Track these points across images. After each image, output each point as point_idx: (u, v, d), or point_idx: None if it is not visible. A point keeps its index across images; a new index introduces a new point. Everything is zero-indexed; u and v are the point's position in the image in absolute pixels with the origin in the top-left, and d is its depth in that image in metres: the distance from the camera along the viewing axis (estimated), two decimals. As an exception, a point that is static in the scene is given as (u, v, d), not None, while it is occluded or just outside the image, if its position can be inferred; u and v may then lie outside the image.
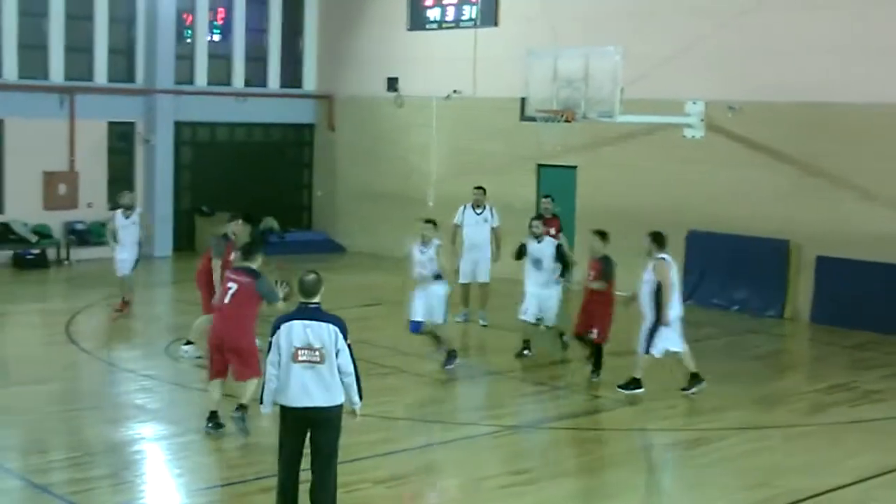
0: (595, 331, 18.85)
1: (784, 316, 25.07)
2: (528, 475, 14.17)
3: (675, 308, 17.83)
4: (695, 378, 18.13)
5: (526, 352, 20.44)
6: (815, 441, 15.90)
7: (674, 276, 17.79)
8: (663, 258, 17.77)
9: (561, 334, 20.72)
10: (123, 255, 23.51)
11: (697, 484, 13.95)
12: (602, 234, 19.23)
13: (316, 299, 11.29)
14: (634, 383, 17.91)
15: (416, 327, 19.20)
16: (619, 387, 17.96)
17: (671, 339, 17.88)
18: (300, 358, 11.03)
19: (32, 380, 18.44)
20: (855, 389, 18.85)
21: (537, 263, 20.09)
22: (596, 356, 19.05)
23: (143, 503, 13.04)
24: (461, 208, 23.66)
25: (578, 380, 19.31)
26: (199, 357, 20.18)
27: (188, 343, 20.01)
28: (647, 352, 17.82)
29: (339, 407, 11.36)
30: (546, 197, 24.36)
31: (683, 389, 18.09)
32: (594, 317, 18.94)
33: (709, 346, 22.70)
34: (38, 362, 20.01)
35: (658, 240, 17.97)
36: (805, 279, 24.92)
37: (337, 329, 11.18)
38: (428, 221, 19.33)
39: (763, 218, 25.38)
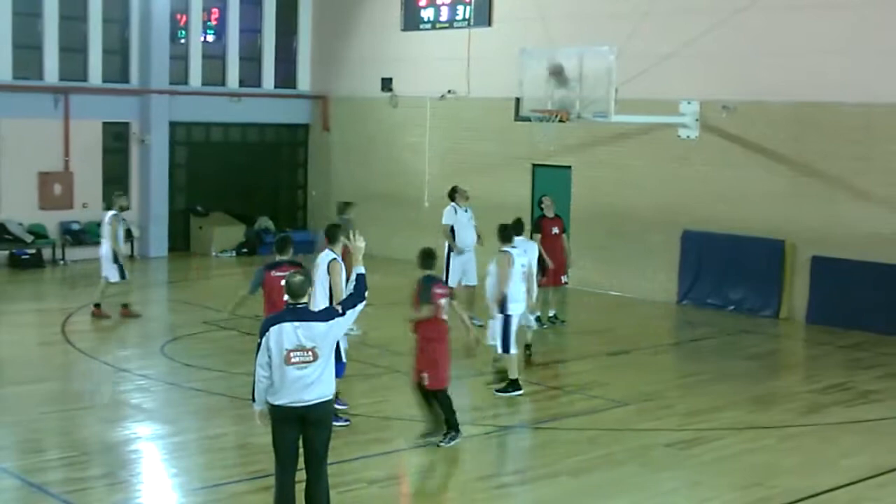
0: (426, 375, 15.08)
1: (779, 316, 25.08)
2: (523, 475, 14.20)
3: (516, 303, 17.75)
4: (514, 381, 17.97)
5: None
6: (810, 441, 15.90)
7: (517, 270, 17.67)
8: (506, 251, 17.73)
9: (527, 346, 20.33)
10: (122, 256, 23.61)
11: (693, 484, 13.94)
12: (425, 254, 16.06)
13: (304, 300, 11.27)
14: (513, 385, 17.82)
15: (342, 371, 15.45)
16: (497, 391, 17.94)
17: (513, 338, 17.88)
18: (293, 360, 10.99)
19: (28, 380, 18.45)
20: (850, 390, 18.86)
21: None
22: (442, 408, 15.26)
23: (138, 503, 13.05)
24: (450, 209, 23.44)
25: (572, 381, 19.38)
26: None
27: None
28: (507, 351, 17.77)
29: (331, 402, 11.37)
30: (545, 196, 24.16)
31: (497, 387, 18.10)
32: (424, 357, 15.21)
33: (704, 346, 22.80)
34: (34, 362, 20.03)
35: (501, 233, 18.04)
36: (800, 279, 24.93)
37: (328, 323, 11.16)
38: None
39: (758, 218, 25.40)
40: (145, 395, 17.77)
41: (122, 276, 23.51)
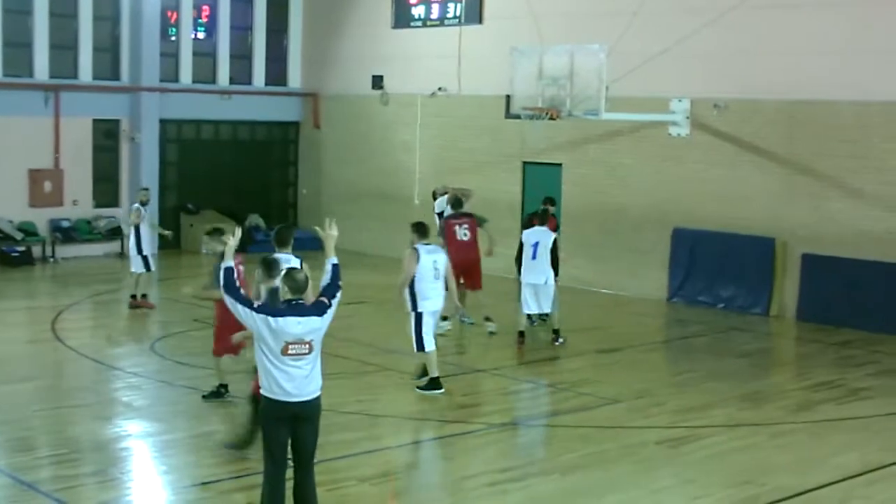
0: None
1: (770, 313, 25.11)
2: (514, 472, 14.18)
3: (426, 300, 17.74)
4: (433, 380, 17.95)
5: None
6: (800, 439, 15.92)
7: (426, 268, 17.64)
8: (414, 248, 17.73)
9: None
10: (151, 250, 24.55)
11: (684, 481, 13.95)
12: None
13: (303, 296, 11.30)
14: (433, 384, 17.77)
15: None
16: (419, 388, 17.93)
17: (427, 337, 17.86)
18: (290, 351, 10.99)
19: (18, 377, 18.42)
20: (841, 387, 18.89)
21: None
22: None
23: (129, 500, 13.02)
24: (441, 201, 23.58)
25: (563, 378, 19.39)
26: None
27: (444, 319, 21.31)
28: (421, 349, 17.73)
29: (320, 398, 11.37)
30: (552, 203, 24.02)
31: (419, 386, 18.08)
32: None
33: (695, 344, 22.82)
34: (24, 360, 19.99)
35: (416, 229, 18.04)
36: (791, 276, 24.97)
37: (323, 317, 11.19)
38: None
39: (749, 215, 25.43)
40: (136, 392, 17.74)
41: (147, 267, 24.27)
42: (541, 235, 21.01)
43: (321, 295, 11.44)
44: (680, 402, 17.66)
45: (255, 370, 13.83)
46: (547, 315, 22.83)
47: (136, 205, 24.60)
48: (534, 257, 20.87)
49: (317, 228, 12.42)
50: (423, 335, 17.64)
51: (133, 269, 24.23)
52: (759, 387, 19.13)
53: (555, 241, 21.05)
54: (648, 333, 23.79)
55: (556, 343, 21.30)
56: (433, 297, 17.76)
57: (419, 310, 17.65)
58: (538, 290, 20.92)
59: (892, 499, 13.69)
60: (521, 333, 21.37)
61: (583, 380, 19.00)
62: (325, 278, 11.57)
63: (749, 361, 21.26)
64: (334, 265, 11.67)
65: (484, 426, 16.27)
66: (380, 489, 13.70)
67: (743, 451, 15.27)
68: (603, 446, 15.35)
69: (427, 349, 17.69)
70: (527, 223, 23.11)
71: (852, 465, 14.64)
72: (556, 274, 21.20)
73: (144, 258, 24.00)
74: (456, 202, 22.47)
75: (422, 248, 17.73)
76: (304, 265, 14.89)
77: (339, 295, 11.51)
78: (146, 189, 26.00)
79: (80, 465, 14.01)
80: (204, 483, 13.41)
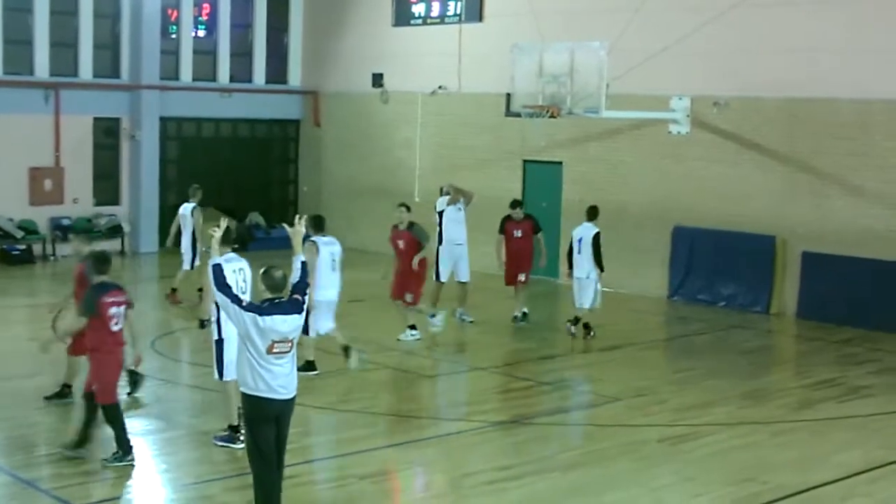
0: (95, 388, 14.21)
1: (770, 311, 25.09)
2: (514, 471, 14.16)
3: (323, 290, 18.02)
4: (345, 350, 18.32)
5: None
6: (801, 437, 15.91)
7: (324, 259, 18.03)
8: (313, 240, 17.91)
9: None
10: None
11: (685, 479, 13.94)
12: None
13: (283, 294, 11.37)
14: (309, 366, 18.02)
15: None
16: (299, 368, 18.04)
17: (321, 322, 18.23)
18: (275, 350, 11.08)
19: (19, 375, 18.41)
20: (841, 385, 18.89)
21: None
22: (111, 425, 14.14)
23: (129, 498, 13.02)
24: (442, 199, 23.58)
25: (564, 376, 19.38)
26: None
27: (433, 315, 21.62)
28: (306, 333, 17.88)
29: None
30: (514, 206, 23.90)
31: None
32: (92, 369, 14.40)
33: (696, 342, 22.81)
34: (25, 357, 19.94)
35: (312, 223, 18.16)
36: (791, 275, 24.96)
37: (302, 314, 11.40)
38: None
39: (749, 213, 25.42)
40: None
41: (192, 265, 24.56)
42: (584, 231, 21.66)
43: (293, 292, 11.50)
44: (680, 400, 17.66)
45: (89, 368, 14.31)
46: (524, 315, 22.99)
47: (194, 204, 25.04)
48: (579, 252, 21.62)
49: (285, 225, 12.51)
50: (309, 322, 17.75)
51: (185, 267, 24.78)
52: (760, 385, 19.13)
53: (596, 236, 21.30)
54: (649, 331, 23.80)
55: (588, 337, 21.82)
56: (330, 287, 18.23)
57: (317, 299, 17.84)
58: (581, 284, 21.61)
59: (894, 496, 13.70)
60: (574, 320, 22.00)
61: (584, 378, 18.99)
62: (294, 275, 11.61)
63: (749, 359, 21.26)
64: (302, 262, 11.72)
65: (483, 424, 16.26)
66: (380, 487, 13.71)
67: (744, 448, 15.26)
68: (603, 444, 15.35)
69: (311, 335, 18.00)
70: (502, 224, 23.15)
71: (854, 462, 14.64)
72: (601, 269, 21.37)
73: (194, 256, 24.27)
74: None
75: (319, 241, 18.12)
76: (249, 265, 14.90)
77: (308, 291, 11.60)
78: (201, 187, 26.11)
79: (80, 463, 13.96)
80: (204, 481, 13.42)
